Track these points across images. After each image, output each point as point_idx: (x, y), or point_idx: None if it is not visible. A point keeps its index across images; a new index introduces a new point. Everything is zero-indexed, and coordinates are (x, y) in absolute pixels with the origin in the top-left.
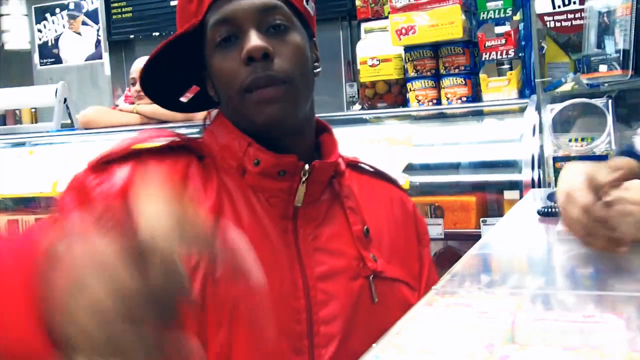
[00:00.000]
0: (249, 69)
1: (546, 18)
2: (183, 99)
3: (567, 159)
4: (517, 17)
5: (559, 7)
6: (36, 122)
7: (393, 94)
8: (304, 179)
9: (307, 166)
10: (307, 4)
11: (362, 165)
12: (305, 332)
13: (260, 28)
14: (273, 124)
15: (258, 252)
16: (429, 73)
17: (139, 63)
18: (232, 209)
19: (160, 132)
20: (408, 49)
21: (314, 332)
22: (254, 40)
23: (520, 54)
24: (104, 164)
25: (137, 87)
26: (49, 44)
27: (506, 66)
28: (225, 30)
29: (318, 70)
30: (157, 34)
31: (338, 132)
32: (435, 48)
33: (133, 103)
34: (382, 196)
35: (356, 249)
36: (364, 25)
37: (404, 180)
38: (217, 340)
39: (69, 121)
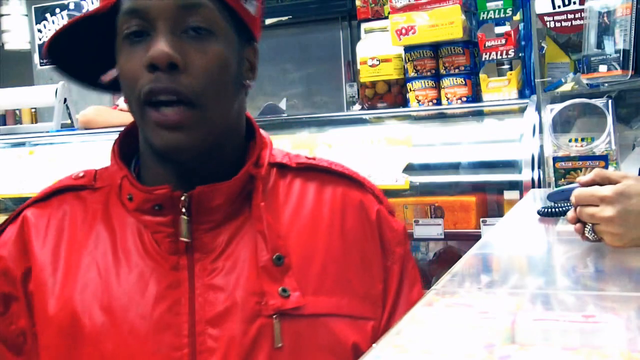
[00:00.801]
0: (151, 76)
1: (546, 18)
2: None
3: (567, 159)
4: (517, 17)
5: (559, 7)
6: (36, 122)
7: (393, 94)
8: (184, 210)
9: (183, 197)
10: (247, 3)
11: (317, 166)
12: None
13: (176, 29)
14: (173, 152)
15: (132, 297)
16: (429, 73)
17: None
18: (110, 251)
19: (64, 179)
20: (408, 49)
21: None
22: (161, 44)
23: (520, 54)
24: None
25: None
26: None
27: (506, 66)
28: (135, 23)
29: (250, 81)
30: None
31: (338, 132)
32: (435, 48)
33: None
34: (331, 206)
35: (259, 283)
36: (364, 25)
37: (404, 180)
38: None
39: (69, 121)
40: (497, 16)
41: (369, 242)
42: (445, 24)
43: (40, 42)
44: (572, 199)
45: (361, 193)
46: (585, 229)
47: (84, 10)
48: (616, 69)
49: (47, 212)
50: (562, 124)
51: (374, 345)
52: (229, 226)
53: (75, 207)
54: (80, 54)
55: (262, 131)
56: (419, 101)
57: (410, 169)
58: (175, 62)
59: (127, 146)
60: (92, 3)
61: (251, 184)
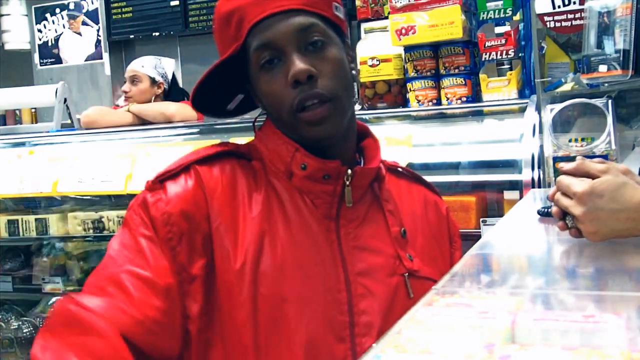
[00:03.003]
0: (296, 91)
1: (546, 18)
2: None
3: (567, 159)
4: (517, 17)
5: (559, 7)
6: (36, 122)
7: (393, 94)
8: (347, 182)
9: (349, 171)
10: (337, 11)
11: (401, 169)
12: (347, 322)
13: (300, 48)
14: (323, 140)
15: (304, 248)
16: (429, 73)
17: (134, 64)
18: (279, 210)
19: (212, 147)
20: (408, 49)
21: (355, 322)
22: (298, 64)
23: (520, 54)
24: (159, 182)
25: (125, 87)
26: (49, 44)
27: (506, 66)
28: (268, 53)
29: (354, 71)
30: (157, 34)
31: None
32: (435, 48)
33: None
34: (418, 199)
35: (394, 249)
36: (364, 25)
37: None
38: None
39: (69, 121)
40: (497, 16)
41: (442, 232)
42: (445, 24)
43: (40, 42)
44: (552, 189)
45: (434, 194)
46: (567, 217)
47: (83, 11)
48: (616, 69)
49: (216, 169)
50: (562, 124)
51: (373, 345)
52: (364, 203)
53: (240, 170)
54: (212, 93)
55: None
56: (419, 101)
57: (410, 168)
58: (312, 73)
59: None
60: (92, 3)
61: (380, 172)
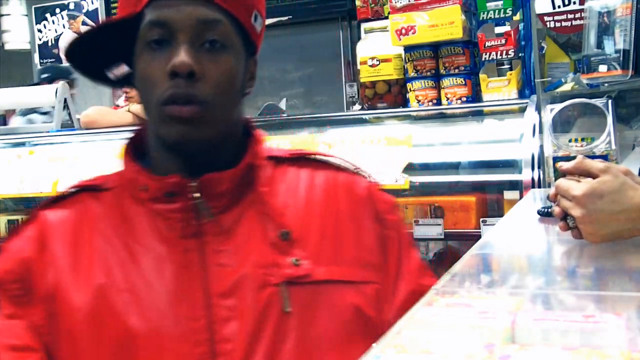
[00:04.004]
0: (171, 83)
1: (546, 18)
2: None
3: (567, 159)
4: (517, 17)
5: (559, 7)
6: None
7: (393, 94)
8: (196, 195)
9: (193, 183)
10: (256, 21)
11: (308, 157)
12: (207, 352)
13: (195, 41)
14: (181, 144)
15: (153, 280)
16: (429, 73)
17: None
18: (128, 242)
19: (69, 187)
20: (408, 49)
21: (217, 351)
22: (183, 55)
23: (520, 54)
24: (6, 242)
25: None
26: (49, 44)
27: (506, 66)
28: (158, 32)
29: (250, 89)
30: None
31: (338, 132)
32: (435, 48)
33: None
34: (322, 187)
35: (269, 257)
36: (364, 25)
37: (404, 180)
38: None
39: (69, 121)
40: (497, 16)
41: (363, 216)
42: (445, 24)
43: (40, 42)
44: (552, 189)
45: (349, 176)
46: (568, 218)
47: (83, 11)
48: (616, 69)
49: (63, 210)
50: (562, 124)
51: (373, 345)
52: (233, 211)
53: (92, 204)
54: (92, 52)
55: (259, 130)
56: (419, 101)
57: (410, 169)
58: (195, 71)
59: (134, 150)
60: (92, 3)
61: (252, 173)
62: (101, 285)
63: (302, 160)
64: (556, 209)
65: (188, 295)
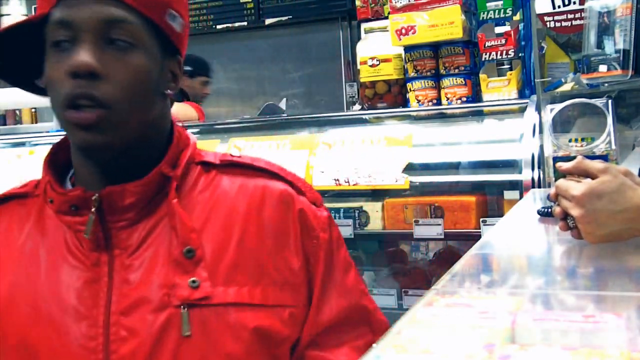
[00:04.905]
0: (73, 83)
1: (546, 18)
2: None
3: (567, 159)
4: (517, 17)
5: (559, 7)
6: (36, 122)
7: (393, 94)
8: (93, 209)
9: (94, 197)
10: (172, 19)
11: (240, 163)
12: None
13: (100, 41)
14: (91, 150)
15: (57, 295)
16: (429, 73)
17: None
18: (38, 253)
19: (11, 189)
20: (408, 49)
21: None
22: (82, 55)
23: (520, 54)
24: None
25: None
26: None
27: (506, 66)
28: (62, 33)
29: (172, 90)
30: None
31: (338, 132)
32: (435, 48)
33: None
34: (250, 200)
35: (171, 276)
36: (364, 25)
37: (404, 180)
38: None
39: None
40: (497, 16)
41: (289, 231)
42: (445, 24)
43: None
44: (553, 189)
45: (282, 185)
46: (568, 218)
47: None
48: (616, 69)
49: None
50: (562, 124)
51: (374, 345)
52: (145, 223)
53: (15, 213)
54: (18, 60)
55: (188, 132)
56: (419, 101)
57: (410, 169)
58: (95, 70)
59: (60, 155)
60: None
61: (166, 183)
62: (7, 297)
63: (234, 167)
64: (556, 209)
65: (91, 312)
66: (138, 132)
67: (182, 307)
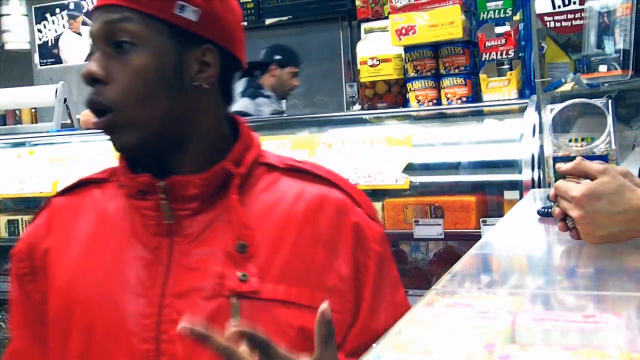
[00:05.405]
0: (89, 90)
1: (546, 18)
2: None
3: (567, 159)
4: (517, 17)
5: (559, 7)
6: (36, 122)
7: (393, 94)
8: (163, 196)
9: (160, 184)
10: (183, 11)
11: (302, 168)
12: (152, 350)
13: (108, 47)
14: (119, 150)
15: (118, 274)
16: (429, 73)
17: None
18: (106, 234)
19: (92, 174)
20: (408, 49)
21: (161, 351)
22: (89, 64)
23: (520, 54)
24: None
25: None
26: (49, 44)
27: (506, 66)
28: (91, 45)
29: (203, 81)
30: None
31: (338, 132)
32: (435, 48)
33: None
34: (308, 205)
35: (223, 267)
36: (364, 25)
37: (404, 180)
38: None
39: (69, 121)
40: (497, 16)
41: (342, 241)
42: (445, 24)
43: (40, 42)
44: (552, 189)
45: (340, 195)
46: (567, 219)
47: (83, 11)
48: (616, 69)
49: (70, 199)
50: (562, 124)
51: (374, 345)
52: (206, 215)
53: (94, 195)
54: None
55: (253, 134)
56: (419, 101)
57: (410, 169)
58: (96, 76)
59: None
60: (93, 2)
61: (228, 179)
62: (77, 274)
63: (295, 171)
64: (556, 210)
65: (148, 291)
66: (159, 127)
67: (232, 297)
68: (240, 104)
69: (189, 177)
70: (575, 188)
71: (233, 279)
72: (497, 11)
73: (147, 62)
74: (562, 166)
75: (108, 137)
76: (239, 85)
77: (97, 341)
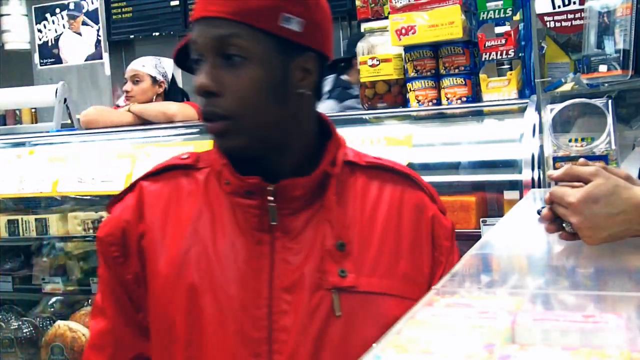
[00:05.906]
0: (202, 101)
1: (546, 18)
2: None
3: (567, 159)
4: (517, 17)
5: (559, 7)
6: (36, 122)
7: (393, 94)
8: (271, 199)
9: (270, 187)
10: (289, 23)
11: (382, 165)
12: (265, 339)
13: (218, 59)
14: (230, 154)
15: (226, 264)
16: (429, 73)
17: (135, 64)
18: (209, 223)
19: (165, 162)
20: (408, 49)
21: (273, 339)
22: (201, 77)
23: (520, 54)
24: (110, 208)
25: (126, 87)
26: (49, 44)
27: (506, 66)
28: (194, 51)
29: (305, 89)
30: (157, 34)
31: (338, 132)
32: (435, 48)
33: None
34: (388, 201)
35: (324, 262)
36: (364, 25)
37: None
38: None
39: (69, 121)
40: (497, 16)
41: (422, 236)
42: (445, 24)
43: (40, 42)
44: (547, 195)
45: (418, 193)
46: (565, 224)
47: (83, 11)
48: (616, 69)
49: (159, 184)
50: (562, 124)
51: (374, 345)
52: (305, 213)
53: (182, 182)
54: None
55: (337, 132)
56: (419, 101)
57: (410, 168)
58: (211, 90)
59: None
60: (92, 3)
61: (326, 179)
62: (182, 260)
63: (376, 169)
64: (544, 212)
65: (255, 284)
66: (266, 133)
67: (334, 290)
68: (326, 106)
69: (296, 180)
70: (571, 194)
71: (334, 274)
72: (497, 11)
73: (258, 74)
74: (553, 173)
75: (214, 139)
76: (327, 84)
77: (205, 329)
